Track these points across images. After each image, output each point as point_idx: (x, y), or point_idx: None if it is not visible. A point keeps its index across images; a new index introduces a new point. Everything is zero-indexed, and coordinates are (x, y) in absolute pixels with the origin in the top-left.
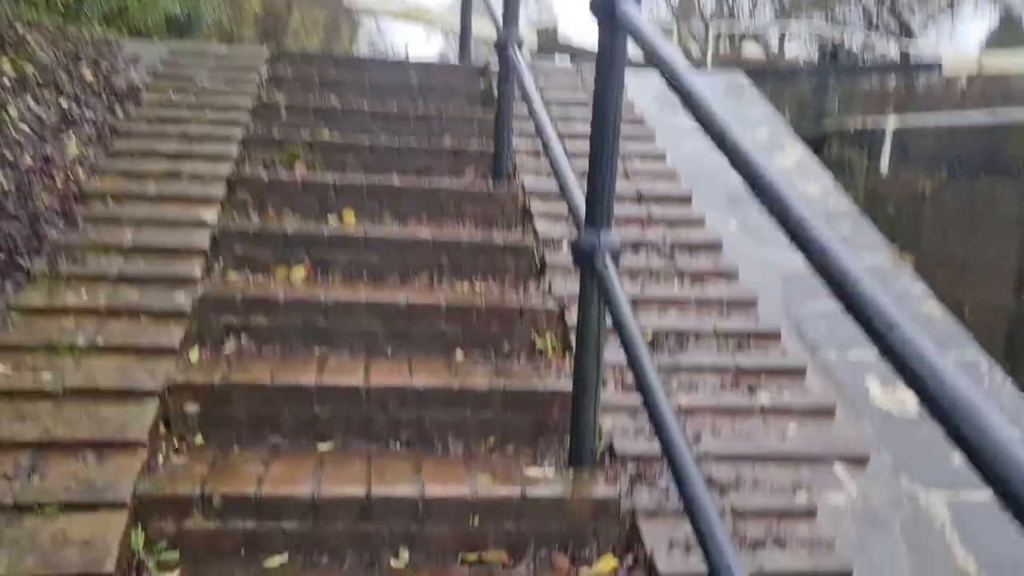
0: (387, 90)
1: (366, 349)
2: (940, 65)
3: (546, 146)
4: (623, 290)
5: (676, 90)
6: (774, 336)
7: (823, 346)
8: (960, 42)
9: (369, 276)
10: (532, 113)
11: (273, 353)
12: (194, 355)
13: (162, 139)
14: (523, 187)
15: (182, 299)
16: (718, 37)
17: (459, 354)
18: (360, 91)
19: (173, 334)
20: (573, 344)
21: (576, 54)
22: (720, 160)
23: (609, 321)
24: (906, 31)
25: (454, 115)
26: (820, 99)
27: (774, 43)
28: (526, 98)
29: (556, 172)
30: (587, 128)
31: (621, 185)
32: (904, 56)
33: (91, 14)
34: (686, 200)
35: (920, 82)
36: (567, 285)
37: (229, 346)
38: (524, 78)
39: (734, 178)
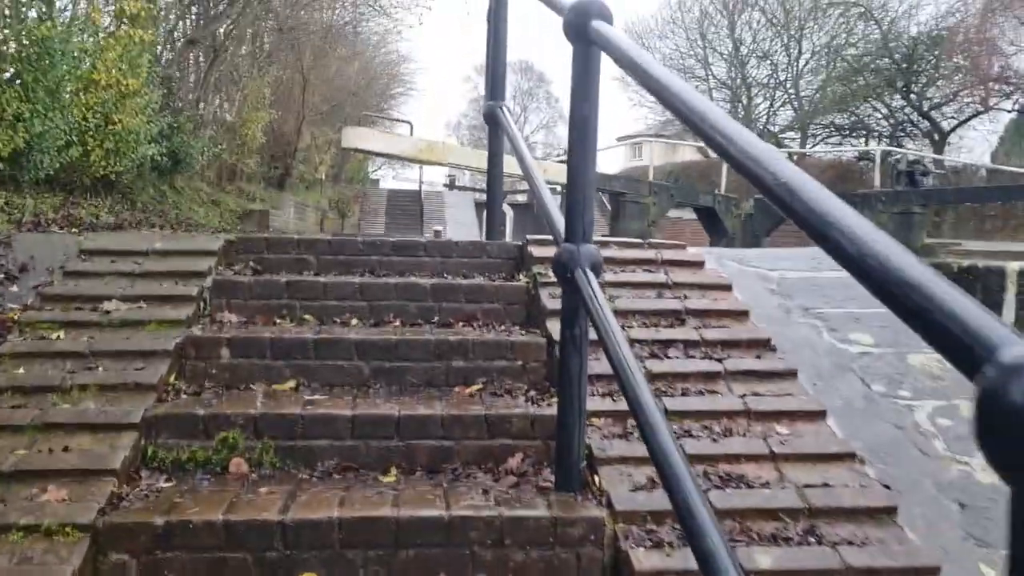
0: (387, 296)
1: None
2: None
3: (647, 435)
4: None
5: None
6: None
7: None
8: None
9: None
10: (618, 369)
11: None
12: None
13: (3, 439)
14: (610, 505)
15: None
16: None
17: None
18: (347, 301)
19: None
20: None
21: (617, 193)
22: None
23: None
24: (937, 132)
25: (486, 343)
26: (904, 233)
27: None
28: (605, 343)
29: (671, 491)
30: (698, 366)
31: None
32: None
33: (34, 172)
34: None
35: None
36: None
37: None
38: (600, 315)
39: None
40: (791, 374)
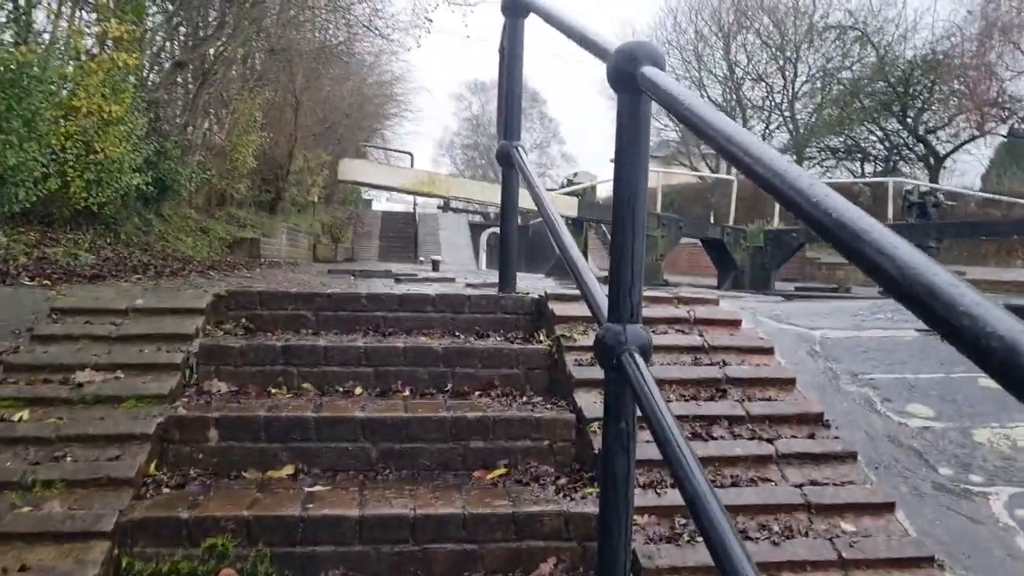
0: (394, 361)
1: None
2: None
3: (714, 545)
4: None
5: None
6: None
7: None
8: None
9: None
10: (675, 466)
11: None
12: None
13: None
14: None
15: None
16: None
17: None
18: (350, 367)
19: None
20: None
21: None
22: None
23: None
24: (933, 156)
25: (508, 421)
26: None
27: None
28: (658, 438)
29: None
30: (747, 448)
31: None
32: None
33: (8, 206)
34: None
35: None
36: None
37: None
38: (654, 406)
39: None
40: (850, 457)
